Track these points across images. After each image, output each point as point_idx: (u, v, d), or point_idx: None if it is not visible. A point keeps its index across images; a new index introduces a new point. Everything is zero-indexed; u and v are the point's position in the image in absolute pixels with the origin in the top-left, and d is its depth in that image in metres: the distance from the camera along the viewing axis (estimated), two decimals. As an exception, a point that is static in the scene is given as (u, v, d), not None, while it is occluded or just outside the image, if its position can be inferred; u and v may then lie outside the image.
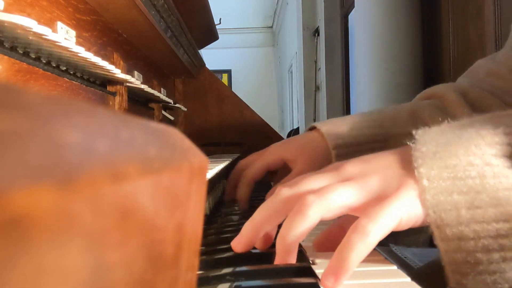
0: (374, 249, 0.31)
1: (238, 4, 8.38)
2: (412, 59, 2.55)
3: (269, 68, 8.89)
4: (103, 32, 0.65)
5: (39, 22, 0.38)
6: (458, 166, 0.31)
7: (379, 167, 0.34)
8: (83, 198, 0.09)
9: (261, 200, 0.43)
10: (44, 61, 0.47)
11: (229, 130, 1.19)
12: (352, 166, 0.35)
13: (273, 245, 0.34)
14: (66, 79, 0.53)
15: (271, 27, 8.83)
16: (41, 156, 0.08)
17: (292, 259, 0.33)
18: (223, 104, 1.20)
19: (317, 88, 4.95)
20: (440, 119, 0.37)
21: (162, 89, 0.96)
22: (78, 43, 0.53)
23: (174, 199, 0.15)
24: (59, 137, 0.10)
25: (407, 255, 0.49)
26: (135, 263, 0.12)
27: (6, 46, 0.40)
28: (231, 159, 0.83)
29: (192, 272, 0.18)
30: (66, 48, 0.45)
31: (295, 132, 4.99)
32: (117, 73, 0.59)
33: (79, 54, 0.47)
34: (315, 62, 4.96)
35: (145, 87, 0.73)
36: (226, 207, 0.63)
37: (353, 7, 3.14)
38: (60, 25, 0.49)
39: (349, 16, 4.06)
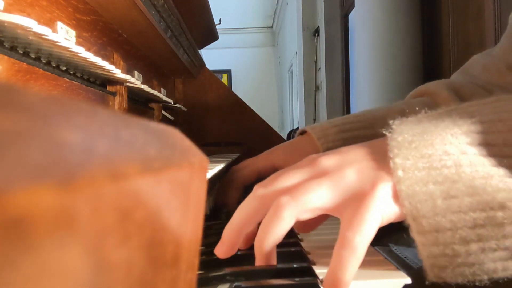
0: (374, 249, 0.31)
1: (238, 4, 8.39)
2: (412, 59, 2.55)
3: (269, 68, 8.89)
4: (103, 32, 0.65)
5: (39, 22, 0.38)
6: (434, 156, 0.31)
7: (354, 159, 0.34)
8: (83, 198, 0.09)
9: None
10: (44, 61, 0.47)
11: (229, 130, 1.19)
12: (327, 159, 0.35)
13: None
14: (66, 79, 0.53)
15: (271, 27, 8.83)
16: (41, 156, 0.08)
17: (272, 261, 0.33)
18: (223, 104, 1.20)
19: (317, 88, 4.95)
20: None
21: (162, 89, 0.96)
22: (78, 43, 0.53)
23: (174, 199, 0.15)
24: (59, 137, 0.10)
25: (407, 255, 0.49)
26: (135, 263, 0.12)
27: (6, 46, 0.40)
28: (231, 159, 0.83)
29: (192, 272, 0.18)
30: (66, 48, 0.45)
31: (295, 132, 4.98)
32: (117, 73, 0.59)
33: (79, 54, 0.47)
34: (315, 62, 4.96)
35: (145, 87, 0.73)
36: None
37: (353, 7, 3.14)
38: (60, 25, 0.49)
39: (349, 16, 4.06)
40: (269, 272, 0.31)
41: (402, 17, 2.55)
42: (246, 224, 0.35)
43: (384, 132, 0.34)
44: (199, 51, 1.16)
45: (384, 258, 0.36)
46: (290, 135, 4.96)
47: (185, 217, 0.16)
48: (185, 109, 1.13)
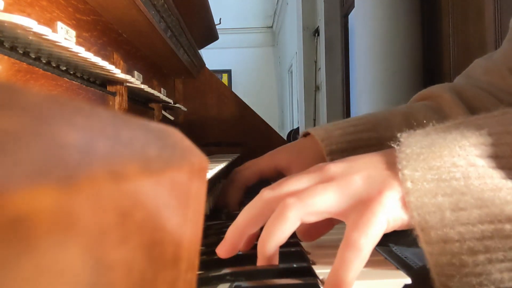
0: (374, 249, 0.31)
1: (238, 4, 8.39)
2: (412, 59, 2.55)
3: (269, 68, 8.89)
4: (103, 32, 0.65)
5: (39, 22, 0.38)
6: (442, 168, 0.31)
7: (362, 167, 0.34)
8: (83, 198, 0.09)
9: None
10: (44, 61, 0.47)
11: (229, 130, 1.19)
12: (335, 166, 0.35)
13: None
14: (66, 79, 0.53)
15: (271, 27, 8.83)
16: (41, 156, 0.08)
17: (274, 262, 0.33)
18: (223, 104, 1.20)
19: (317, 88, 4.95)
20: (435, 120, 0.37)
21: (162, 89, 0.96)
22: (78, 43, 0.53)
23: (174, 199, 0.15)
24: (59, 137, 0.10)
25: (407, 255, 0.49)
26: (135, 263, 0.12)
27: (6, 46, 0.40)
28: (231, 159, 0.83)
29: (192, 272, 0.18)
30: (66, 48, 0.45)
31: (295, 132, 4.99)
32: (117, 73, 0.59)
33: (79, 54, 0.47)
34: (315, 62, 4.96)
35: (145, 87, 0.73)
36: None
37: (353, 7, 3.14)
38: (60, 25, 0.49)
39: (349, 16, 4.06)
40: (269, 272, 0.31)
41: (402, 17, 2.55)
42: (250, 225, 0.35)
43: (392, 145, 0.34)
44: (199, 51, 1.16)
45: (384, 258, 0.36)
46: (290, 135, 4.96)
47: (185, 217, 0.16)
48: (185, 109, 1.13)
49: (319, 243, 0.41)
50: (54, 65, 0.49)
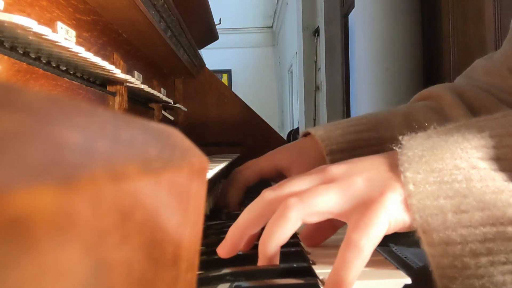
0: (374, 249, 0.31)
1: (238, 4, 8.39)
2: (412, 59, 2.55)
3: (269, 68, 8.89)
4: (103, 32, 0.65)
5: (39, 22, 0.38)
6: (444, 170, 0.31)
7: (364, 169, 0.34)
8: (83, 198, 0.09)
9: None
10: (44, 61, 0.47)
11: (229, 130, 1.19)
12: (337, 168, 0.35)
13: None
14: (66, 79, 0.53)
15: (271, 27, 8.83)
16: (41, 156, 0.08)
17: (275, 262, 0.33)
18: (223, 104, 1.20)
19: (317, 88, 4.95)
20: (435, 120, 0.37)
21: (162, 89, 0.96)
22: (78, 43, 0.53)
23: (174, 199, 0.15)
24: (59, 137, 0.10)
25: (407, 255, 0.49)
26: (135, 263, 0.12)
27: (6, 46, 0.40)
28: (231, 159, 0.83)
29: (192, 272, 0.18)
30: (66, 48, 0.45)
31: (295, 132, 4.99)
32: (117, 73, 0.59)
33: (79, 54, 0.47)
34: (315, 62, 4.96)
35: (145, 87, 0.73)
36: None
37: (353, 7, 3.14)
38: (60, 25, 0.49)
39: (349, 16, 4.06)
40: (269, 272, 0.31)
41: (402, 17, 2.55)
42: (251, 225, 0.35)
43: (393, 147, 0.34)
44: (199, 51, 1.16)
45: (384, 258, 0.36)
46: (290, 135, 4.96)
47: (185, 217, 0.16)
48: (185, 109, 1.13)
49: (319, 243, 0.41)
50: (54, 65, 0.49)
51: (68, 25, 0.52)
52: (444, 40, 2.49)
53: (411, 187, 0.31)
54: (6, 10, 0.39)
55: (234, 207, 0.58)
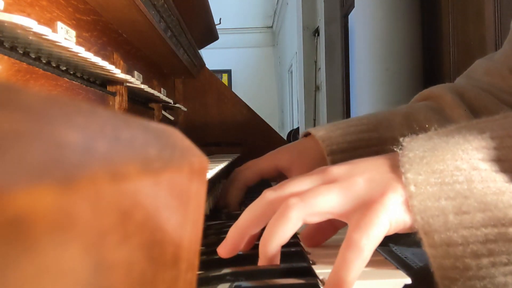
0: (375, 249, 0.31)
1: (238, 4, 8.38)
2: (412, 59, 2.55)
3: (269, 68, 8.89)
4: (103, 32, 0.65)
5: (39, 22, 0.38)
6: (445, 171, 0.31)
7: (365, 170, 0.34)
8: (83, 198, 0.09)
9: None
10: (44, 61, 0.47)
11: (229, 130, 1.19)
12: (338, 169, 0.35)
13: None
14: (66, 79, 0.53)
15: (271, 27, 8.83)
16: (41, 156, 0.08)
17: (276, 262, 0.33)
18: (223, 104, 1.20)
19: (317, 88, 4.95)
20: (435, 120, 0.37)
21: (162, 89, 0.96)
22: (78, 43, 0.53)
23: (174, 199, 0.15)
24: (59, 137, 0.10)
25: (407, 255, 0.49)
26: (135, 263, 0.12)
27: (6, 46, 0.40)
28: (231, 159, 0.83)
29: (192, 272, 0.18)
30: (66, 48, 0.45)
31: (295, 132, 4.99)
32: (117, 73, 0.59)
33: (79, 54, 0.47)
34: (315, 62, 4.96)
35: (145, 87, 0.73)
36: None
37: (353, 7, 3.14)
38: (60, 25, 0.49)
39: (349, 16, 4.06)
40: (269, 272, 0.31)
41: (402, 17, 2.55)
42: (252, 225, 0.35)
43: (394, 149, 0.34)
44: (199, 51, 1.16)
45: (384, 258, 0.36)
46: (290, 135, 4.96)
47: (185, 217, 0.16)
48: (185, 109, 1.13)
49: (319, 243, 0.41)
50: (54, 65, 0.49)
51: (68, 25, 0.52)
52: (444, 40, 2.49)
53: (412, 188, 0.31)
54: (6, 10, 0.39)
55: (234, 207, 0.58)
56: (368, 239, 0.30)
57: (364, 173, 0.33)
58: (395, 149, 0.34)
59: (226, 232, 0.35)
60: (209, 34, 1.29)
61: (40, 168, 0.08)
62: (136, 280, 0.12)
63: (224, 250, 0.34)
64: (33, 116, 0.09)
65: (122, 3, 0.61)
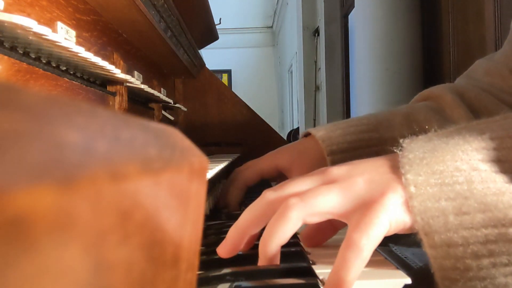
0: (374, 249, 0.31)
1: (238, 4, 8.38)
2: (412, 59, 2.55)
3: (269, 68, 8.89)
4: (103, 32, 0.65)
5: (39, 22, 0.38)
6: (445, 172, 0.31)
7: (365, 170, 0.34)
8: (83, 198, 0.09)
9: None
10: (44, 61, 0.47)
11: (229, 130, 1.19)
12: (338, 169, 0.35)
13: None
14: (66, 79, 0.53)
15: (271, 27, 8.83)
16: (41, 156, 0.08)
17: (275, 262, 0.33)
18: (223, 104, 1.20)
19: (317, 88, 4.95)
20: (435, 120, 0.37)
21: (162, 89, 0.96)
22: (78, 43, 0.53)
23: (174, 199, 0.15)
24: (59, 137, 0.10)
25: (407, 255, 0.49)
26: (135, 263, 0.12)
27: (6, 46, 0.40)
28: (231, 159, 0.83)
29: (192, 272, 0.18)
30: (66, 48, 0.45)
31: (295, 132, 4.99)
32: (117, 73, 0.59)
33: (79, 54, 0.47)
34: (315, 62, 4.96)
35: (145, 87, 0.73)
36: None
37: (353, 7, 3.14)
38: (60, 25, 0.49)
39: (349, 16, 4.06)
40: (269, 272, 0.31)
41: (402, 17, 2.55)
42: (252, 225, 0.35)
43: (394, 150, 0.34)
44: (199, 51, 1.16)
45: (384, 258, 0.36)
46: (290, 135, 4.96)
47: (185, 217, 0.16)
48: (185, 109, 1.13)
49: (319, 243, 0.41)
50: (54, 65, 0.49)
51: (68, 25, 0.52)
52: (444, 40, 2.49)
53: (412, 189, 0.31)
54: (6, 10, 0.39)
55: (234, 207, 0.58)
56: (368, 239, 0.30)
57: (364, 174, 0.34)
58: (395, 150, 0.34)
59: (226, 232, 0.35)
60: (209, 34, 1.29)
61: (40, 168, 0.08)
62: (136, 280, 0.12)
63: (224, 250, 0.34)
64: (33, 116, 0.09)
65: (122, 3, 0.61)
